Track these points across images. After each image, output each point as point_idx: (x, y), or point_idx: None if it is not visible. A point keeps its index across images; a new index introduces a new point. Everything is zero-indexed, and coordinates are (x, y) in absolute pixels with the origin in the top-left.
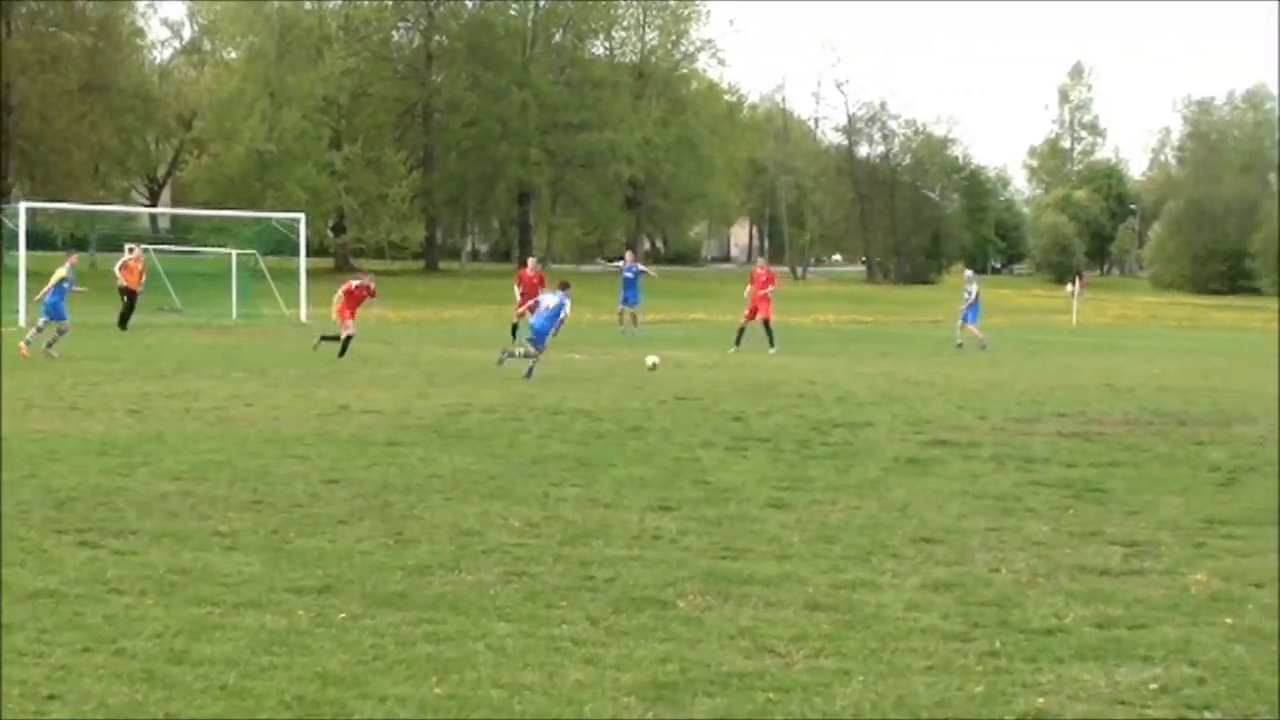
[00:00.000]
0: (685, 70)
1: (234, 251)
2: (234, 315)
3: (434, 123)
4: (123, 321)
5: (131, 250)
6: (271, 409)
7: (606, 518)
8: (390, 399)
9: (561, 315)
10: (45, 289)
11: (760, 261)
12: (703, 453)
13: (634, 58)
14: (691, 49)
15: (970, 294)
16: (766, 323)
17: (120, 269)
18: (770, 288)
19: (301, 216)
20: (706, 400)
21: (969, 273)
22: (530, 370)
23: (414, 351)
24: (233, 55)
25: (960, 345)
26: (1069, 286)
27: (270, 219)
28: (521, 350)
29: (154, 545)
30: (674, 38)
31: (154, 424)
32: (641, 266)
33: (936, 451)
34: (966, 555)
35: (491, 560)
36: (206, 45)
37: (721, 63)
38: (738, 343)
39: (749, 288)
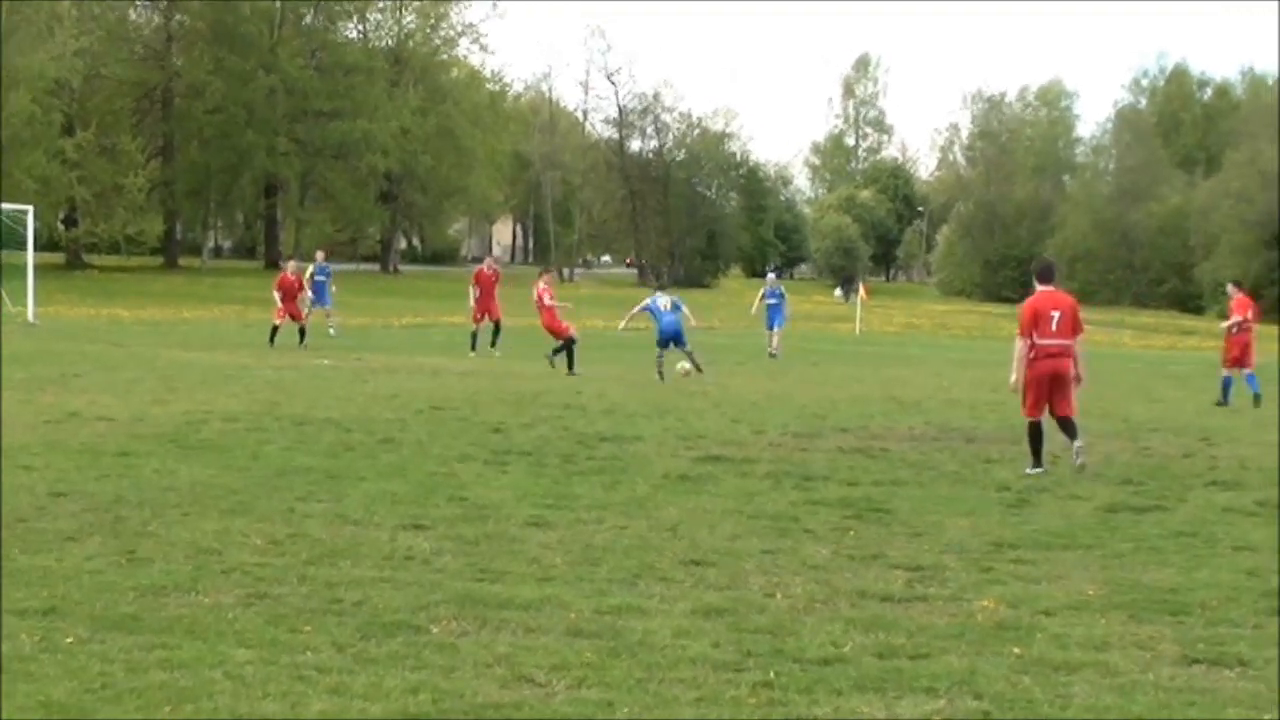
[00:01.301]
0: (445, 56)
1: None
2: None
3: (174, 109)
4: None
5: None
6: None
7: (356, 536)
8: (124, 405)
9: (684, 310)
10: None
11: (488, 260)
12: (460, 467)
13: (390, 42)
14: (452, 34)
15: (776, 296)
16: (497, 324)
17: None
18: (497, 288)
19: (30, 208)
20: (464, 410)
21: (772, 275)
22: (697, 366)
23: (151, 354)
24: None
25: (773, 355)
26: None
27: None
28: (685, 366)
29: None
30: (433, 21)
31: None
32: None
33: (709, 468)
34: (740, 579)
35: (231, 581)
36: None
37: (484, 49)
38: (473, 348)
39: (472, 289)
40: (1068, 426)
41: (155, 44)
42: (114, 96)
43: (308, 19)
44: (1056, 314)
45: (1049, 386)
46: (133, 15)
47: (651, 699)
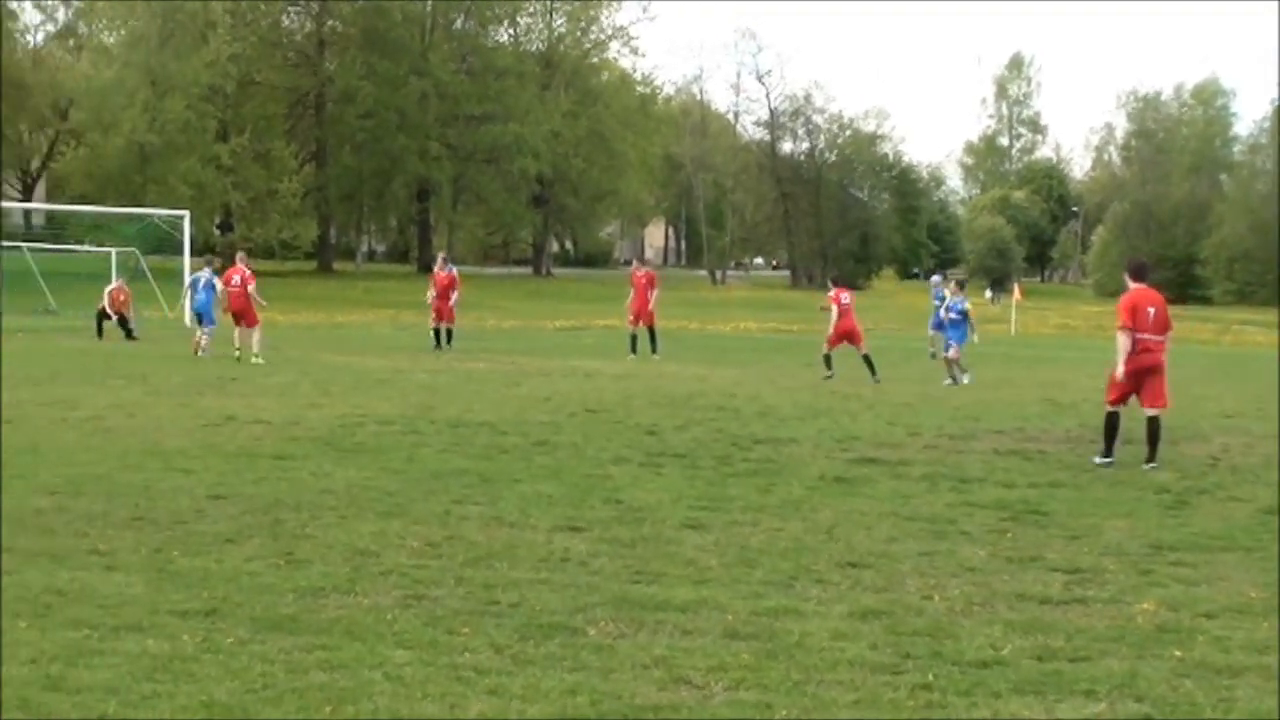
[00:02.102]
0: (595, 59)
1: (113, 250)
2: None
3: (327, 113)
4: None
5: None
6: (153, 419)
7: (512, 538)
8: (280, 409)
9: (965, 306)
10: None
11: (635, 263)
12: (615, 469)
13: (541, 45)
14: (602, 37)
15: (948, 301)
16: (651, 329)
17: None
18: (652, 292)
19: (186, 213)
20: (619, 413)
21: (936, 277)
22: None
23: (306, 358)
24: (111, 40)
25: (936, 355)
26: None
27: (152, 215)
28: (959, 372)
29: (28, 564)
30: (583, 24)
31: (27, 434)
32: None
33: (865, 470)
34: (897, 581)
35: (389, 582)
36: (83, 29)
37: (635, 52)
38: (633, 350)
39: (629, 292)
40: (1154, 431)
41: (308, 49)
42: (267, 102)
43: (458, 23)
44: (1152, 310)
45: (1142, 379)
46: (285, 21)
47: (810, 701)
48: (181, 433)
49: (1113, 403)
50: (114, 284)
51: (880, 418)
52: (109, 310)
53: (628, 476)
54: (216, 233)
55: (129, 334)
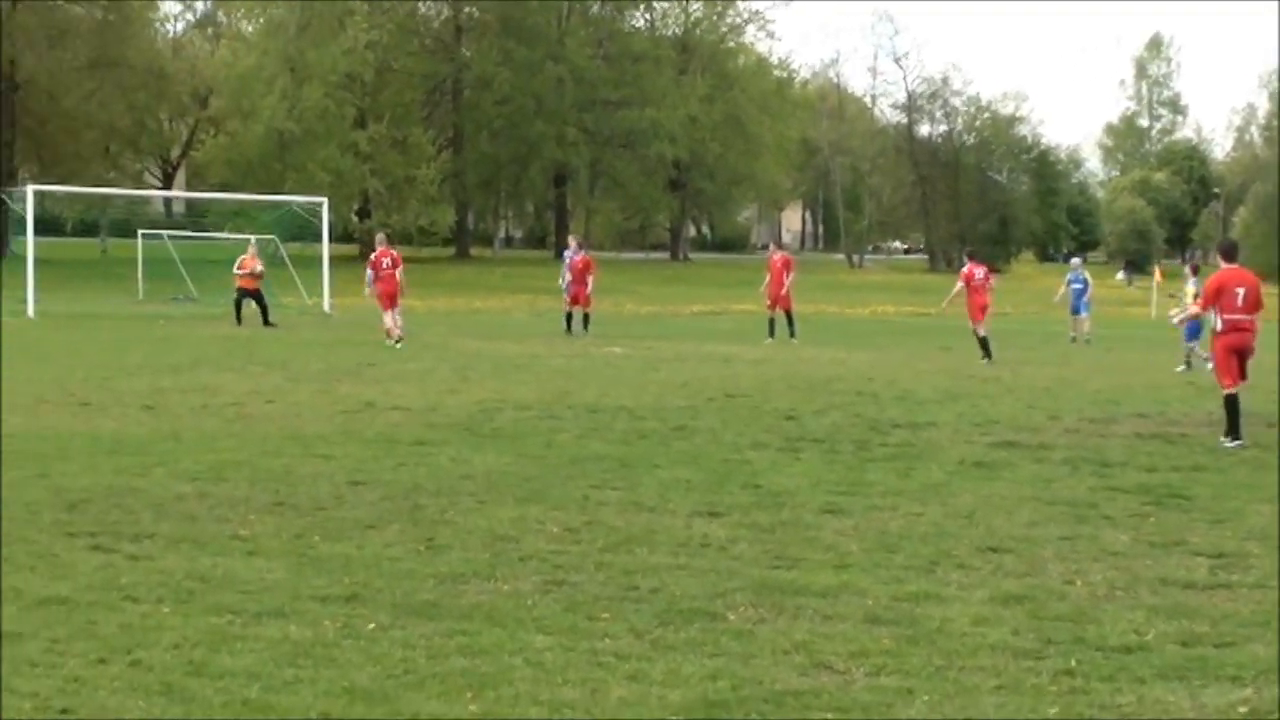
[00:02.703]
0: (732, 43)
1: (253, 237)
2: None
3: (464, 100)
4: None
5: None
6: (293, 405)
7: (650, 523)
8: (418, 395)
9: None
10: None
11: (772, 247)
12: (753, 454)
13: (677, 30)
14: (738, 21)
15: (1080, 281)
16: (788, 313)
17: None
18: (788, 276)
19: (324, 200)
20: (756, 398)
21: (1076, 260)
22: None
23: (443, 344)
24: (250, 28)
25: (1076, 339)
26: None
27: (291, 203)
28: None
29: (170, 550)
30: (719, 8)
31: (169, 421)
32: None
33: (1005, 454)
34: (1038, 566)
35: (528, 568)
36: (222, 18)
37: (771, 35)
38: (770, 334)
39: (765, 277)
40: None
41: (444, 36)
42: (404, 89)
43: (595, 9)
44: (1241, 290)
45: (1236, 358)
46: (422, 8)
47: (951, 687)
48: (321, 419)
49: (1228, 385)
50: (247, 253)
51: (1020, 401)
52: (242, 284)
53: (766, 461)
54: (355, 219)
55: (266, 319)
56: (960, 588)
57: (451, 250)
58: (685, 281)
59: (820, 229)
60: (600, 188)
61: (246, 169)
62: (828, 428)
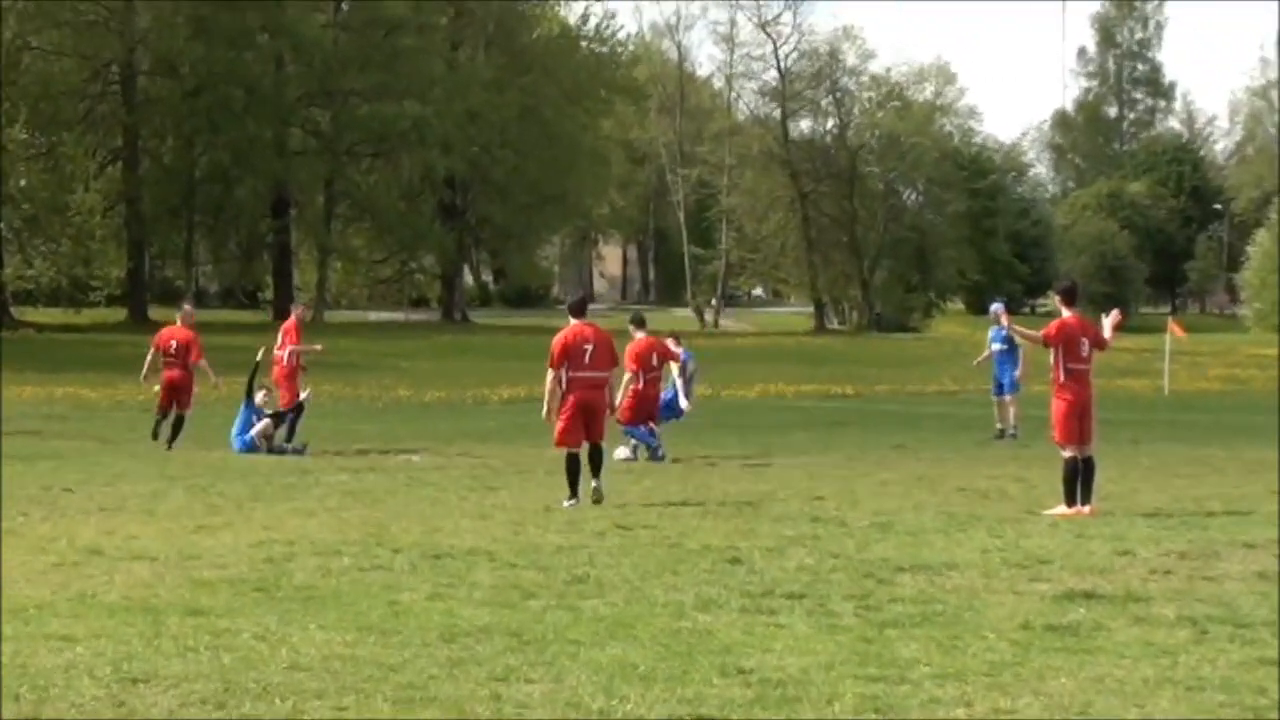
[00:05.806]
0: (527, 6)
1: None
2: None
3: (137, 90)
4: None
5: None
6: None
7: None
8: (158, 536)
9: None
10: None
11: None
12: (707, 619)
13: None
14: None
15: (1003, 340)
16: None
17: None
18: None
19: None
20: (664, 530)
21: (997, 305)
22: None
23: (164, 456)
24: None
25: (1004, 433)
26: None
27: None
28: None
29: None
30: None
31: None
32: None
33: (1082, 611)
34: None
35: None
36: None
37: None
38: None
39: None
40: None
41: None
42: (49, 77)
43: None
44: (1086, 340)
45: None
46: None
47: None
48: (32, 577)
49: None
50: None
51: (1058, 527)
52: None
53: (736, 631)
54: None
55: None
56: None
57: (124, 313)
58: (475, 353)
59: (652, 273)
60: (340, 216)
61: None
62: (798, 574)
